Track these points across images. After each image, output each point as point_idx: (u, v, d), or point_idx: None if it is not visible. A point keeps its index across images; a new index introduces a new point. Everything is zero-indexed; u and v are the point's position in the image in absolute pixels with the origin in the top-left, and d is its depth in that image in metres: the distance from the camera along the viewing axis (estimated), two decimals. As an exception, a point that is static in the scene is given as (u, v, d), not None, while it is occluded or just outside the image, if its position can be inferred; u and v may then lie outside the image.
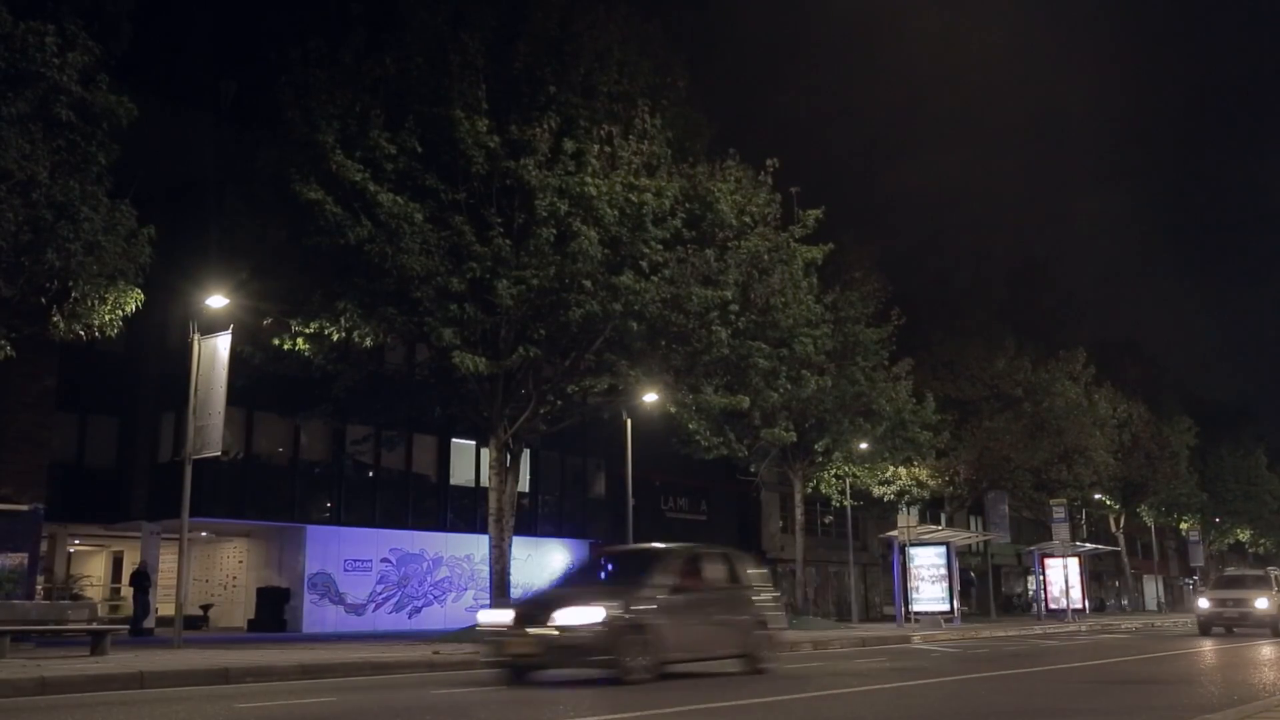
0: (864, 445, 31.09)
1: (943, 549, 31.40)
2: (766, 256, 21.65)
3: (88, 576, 31.03)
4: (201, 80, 30.39)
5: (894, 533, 31.78)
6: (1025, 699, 9.66)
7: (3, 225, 13.44)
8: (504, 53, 20.19)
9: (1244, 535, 68.01)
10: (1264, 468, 64.32)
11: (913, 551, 31.23)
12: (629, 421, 25.42)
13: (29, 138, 13.56)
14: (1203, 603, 26.94)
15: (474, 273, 18.65)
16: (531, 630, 10.67)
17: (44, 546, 25.40)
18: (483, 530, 23.15)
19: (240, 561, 30.88)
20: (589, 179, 18.86)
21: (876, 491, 36.06)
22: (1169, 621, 38.59)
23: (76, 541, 30.45)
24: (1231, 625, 26.24)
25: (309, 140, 18.38)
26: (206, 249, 23.40)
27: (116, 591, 30.88)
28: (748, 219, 21.52)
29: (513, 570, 22.20)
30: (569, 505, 35.55)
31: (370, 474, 30.46)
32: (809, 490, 33.66)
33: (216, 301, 17.79)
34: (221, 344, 17.11)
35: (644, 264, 19.34)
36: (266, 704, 8.96)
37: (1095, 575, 52.89)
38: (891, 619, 34.55)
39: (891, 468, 34.79)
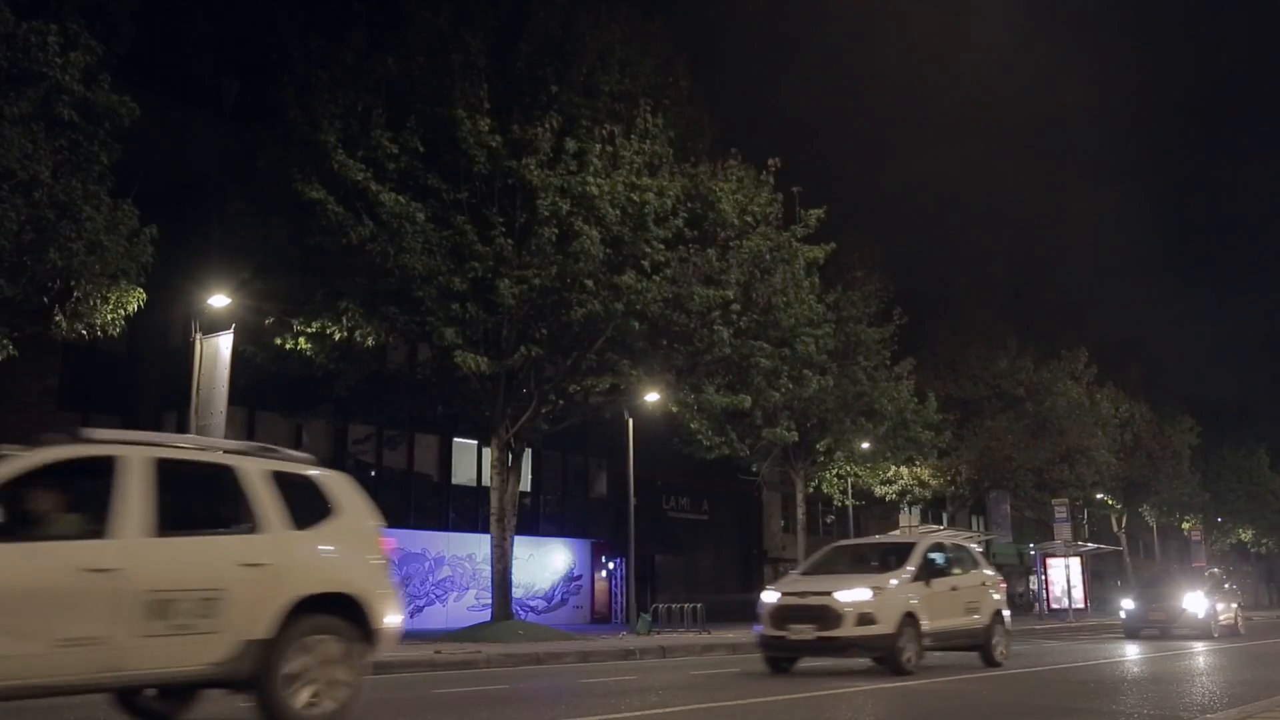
0: (866, 445, 31.09)
1: (944, 549, 31.38)
2: (768, 256, 21.65)
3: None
4: (203, 80, 30.42)
5: (896, 532, 31.79)
6: (1027, 697, 9.66)
7: (5, 225, 13.45)
8: (506, 52, 20.20)
9: (1246, 535, 67.98)
10: (1266, 467, 64.26)
11: (914, 551, 31.21)
12: (630, 421, 25.42)
13: (31, 137, 13.58)
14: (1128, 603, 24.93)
15: (476, 272, 18.67)
16: None
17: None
18: (484, 530, 23.18)
19: (242, 561, 30.89)
20: (591, 178, 18.87)
21: (878, 491, 36.06)
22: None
23: (79, 541, 30.47)
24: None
25: (311, 140, 18.39)
26: (208, 248, 23.41)
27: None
28: (749, 218, 21.52)
29: (514, 570, 22.22)
30: (571, 505, 35.58)
31: (372, 473, 30.46)
32: (811, 490, 33.67)
33: (218, 301, 17.83)
34: (223, 343, 17.16)
35: (646, 263, 19.35)
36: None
37: (1097, 575, 52.88)
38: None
39: (893, 467, 34.79)
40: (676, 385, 22.01)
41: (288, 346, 20.27)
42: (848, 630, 11.90)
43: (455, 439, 31.59)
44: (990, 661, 13.55)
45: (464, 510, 31.61)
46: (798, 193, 22.98)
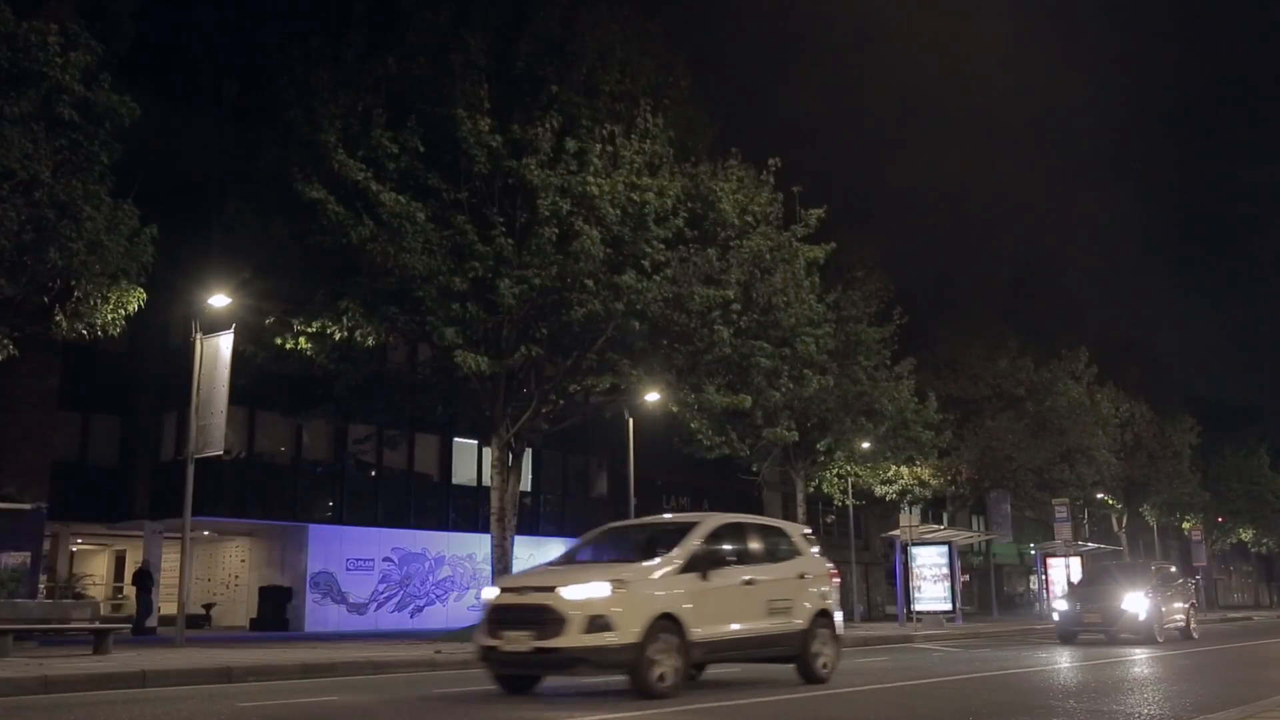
0: (866, 445, 31.07)
1: (945, 548, 31.41)
2: (768, 256, 21.65)
3: (90, 575, 31.10)
4: (204, 79, 30.45)
5: (896, 532, 31.78)
6: (1028, 697, 9.65)
7: (5, 224, 13.46)
8: (506, 52, 20.20)
9: (1246, 535, 67.98)
10: (1266, 467, 64.29)
11: (915, 551, 31.23)
12: (631, 421, 25.42)
13: (31, 137, 13.59)
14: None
15: (476, 272, 18.66)
16: None
17: (46, 545, 25.46)
18: (485, 530, 23.21)
19: (242, 560, 30.92)
20: (591, 178, 18.85)
21: (879, 491, 36.04)
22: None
23: (79, 540, 30.51)
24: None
25: (311, 139, 18.39)
26: (208, 248, 23.43)
27: (119, 590, 30.95)
28: (750, 218, 21.52)
29: (515, 570, 22.22)
30: (571, 504, 35.59)
31: (372, 473, 30.49)
32: (811, 490, 33.64)
33: (218, 301, 17.82)
34: (224, 343, 17.14)
35: (646, 263, 19.33)
36: (269, 703, 8.97)
37: (1097, 575, 52.92)
38: (893, 618, 34.54)
39: (894, 467, 34.77)
40: (677, 385, 22.00)
41: (288, 346, 20.27)
42: (572, 639, 8.99)
43: (455, 439, 31.60)
44: (810, 676, 10.80)
45: (464, 510, 31.62)
46: (798, 193, 22.99)
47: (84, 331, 15.54)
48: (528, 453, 26.98)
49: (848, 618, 37.11)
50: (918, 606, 30.82)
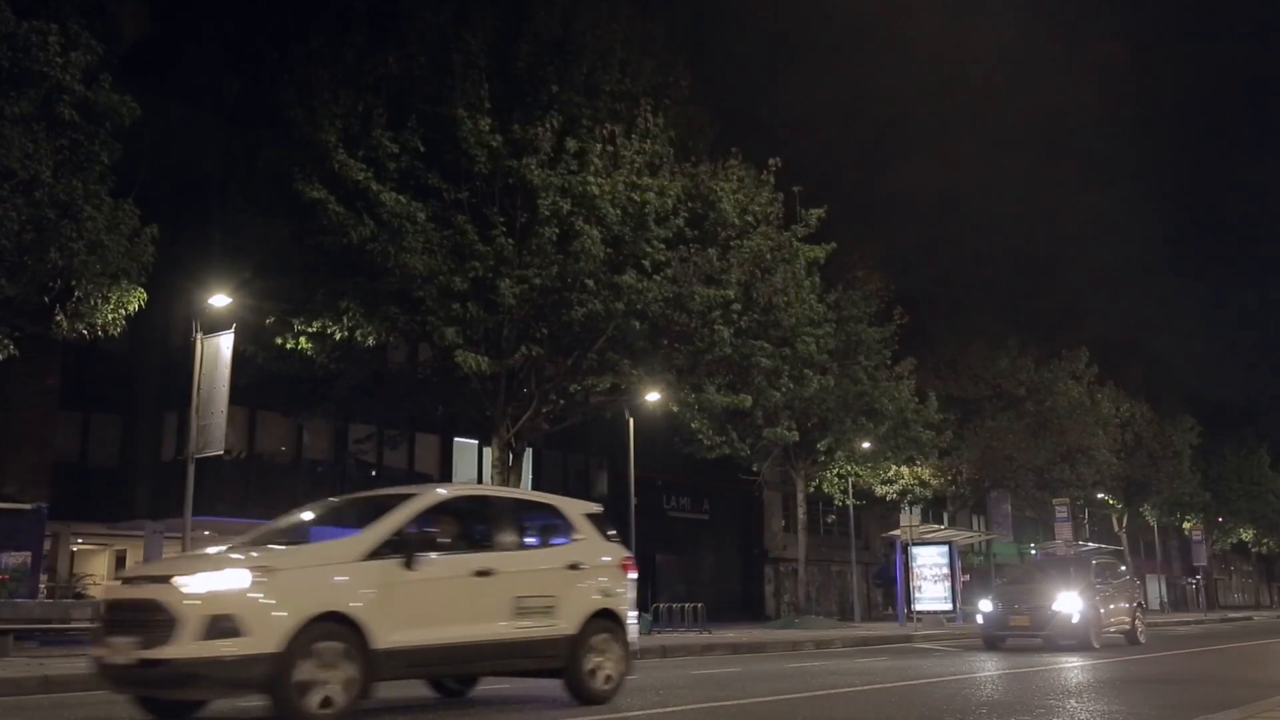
0: (866, 444, 31.09)
1: (945, 548, 31.44)
2: (769, 255, 21.67)
3: (91, 575, 31.08)
4: (204, 79, 30.40)
5: (896, 532, 31.79)
6: (1029, 697, 9.65)
7: (6, 224, 13.49)
8: (506, 52, 20.21)
9: (1247, 535, 67.98)
10: (1267, 467, 64.29)
11: (915, 551, 31.26)
12: (631, 421, 25.41)
13: (32, 137, 13.62)
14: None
15: (476, 272, 18.66)
16: None
17: (47, 545, 25.48)
18: (485, 529, 23.11)
19: (243, 560, 30.89)
20: (591, 178, 18.86)
21: (879, 491, 36.05)
22: (1173, 620, 38.48)
23: (79, 540, 30.50)
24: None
25: (311, 139, 18.40)
26: (209, 248, 23.42)
27: (119, 590, 30.93)
28: (750, 218, 21.54)
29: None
30: (571, 504, 35.59)
31: (373, 473, 30.47)
32: (811, 489, 33.66)
33: (219, 300, 17.83)
34: (224, 343, 17.14)
35: (646, 263, 19.35)
36: (269, 702, 8.97)
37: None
38: (894, 618, 34.56)
39: (894, 467, 34.79)
40: (677, 385, 22.01)
41: (288, 346, 20.28)
42: (185, 647, 6.55)
43: (456, 439, 31.59)
44: (582, 694, 8.54)
45: (464, 510, 31.58)
46: (798, 192, 23.01)
47: (84, 331, 15.56)
48: (528, 453, 26.97)
49: (848, 617, 37.20)
50: (918, 606, 30.83)
